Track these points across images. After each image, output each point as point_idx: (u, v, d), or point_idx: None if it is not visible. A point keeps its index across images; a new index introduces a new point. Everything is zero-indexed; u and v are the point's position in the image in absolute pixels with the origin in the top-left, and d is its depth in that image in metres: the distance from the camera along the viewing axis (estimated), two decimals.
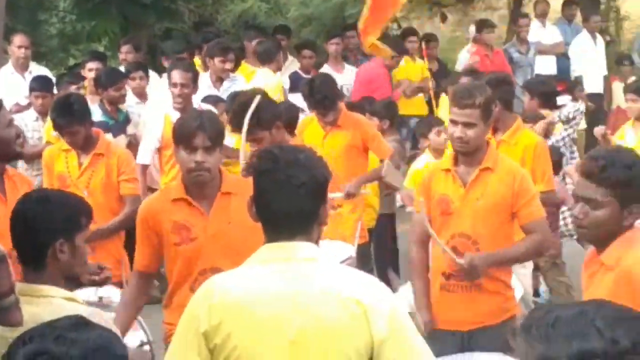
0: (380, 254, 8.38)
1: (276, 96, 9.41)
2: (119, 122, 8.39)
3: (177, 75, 7.59)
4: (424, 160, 8.14)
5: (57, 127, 6.53)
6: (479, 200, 4.95)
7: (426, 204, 5.08)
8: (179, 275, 4.65)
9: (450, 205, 4.99)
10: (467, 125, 4.90)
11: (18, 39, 9.98)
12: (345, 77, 10.78)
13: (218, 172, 4.66)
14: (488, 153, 5.02)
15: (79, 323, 1.95)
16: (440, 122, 8.16)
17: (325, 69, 10.87)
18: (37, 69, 10.00)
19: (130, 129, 8.46)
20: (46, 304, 3.33)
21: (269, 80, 9.68)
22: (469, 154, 4.98)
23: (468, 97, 4.94)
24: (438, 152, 7.85)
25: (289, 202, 3.08)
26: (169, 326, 4.61)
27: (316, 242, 3.18)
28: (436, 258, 5.11)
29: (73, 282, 3.55)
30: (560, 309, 1.88)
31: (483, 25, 12.87)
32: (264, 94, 6.01)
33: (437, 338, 4.87)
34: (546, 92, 8.45)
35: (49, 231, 3.43)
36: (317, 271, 3.09)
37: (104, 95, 8.38)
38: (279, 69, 10.21)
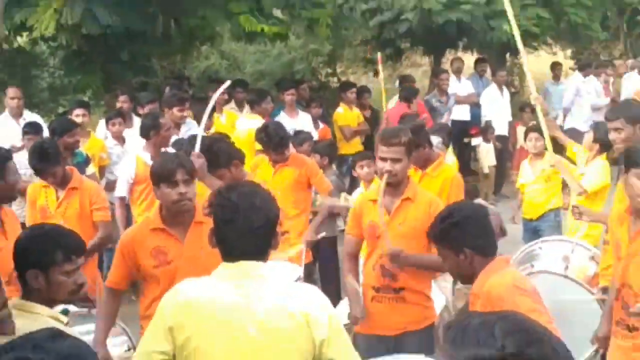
0: (327, 276, 8.19)
1: None
2: (73, 165, 7.61)
3: (168, 121, 7.54)
4: (358, 192, 8.15)
5: (36, 171, 6.42)
6: (400, 225, 4.97)
7: (357, 228, 5.13)
8: (155, 292, 4.48)
9: (377, 230, 5.00)
10: (394, 160, 4.92)
11: (11, 92, 9.86)
12: (299, 121, 10.79)
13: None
14: (409, 186, 5.06)
15: (54, 334, 1.92)
16: (365, 156, 8.10)
17: (282, 116, 10.85)
18: (30, 116, 9.87)
19: (89, 169, 8.04)
20: (34, 318, 3.31)
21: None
22: (394, 185, 4.99)
23: (395, 137, 4.96)
24: (368, 182, 7.84)
25: (248, 241, 3.11)
26: None
27: (265, 260, 3.18)
28: (367, 274, 5.11)
29: (53, 304, 3.49)
30: (474, 316, 1.83)
31: (405, 80, 13.00)
32: (223, 136, 5.97)
33: (368, 341, 4.92)
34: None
35: (22, 262, 3.45)
36: (267, 287, 3.11)
37: (60, 142, 7.61)
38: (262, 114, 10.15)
